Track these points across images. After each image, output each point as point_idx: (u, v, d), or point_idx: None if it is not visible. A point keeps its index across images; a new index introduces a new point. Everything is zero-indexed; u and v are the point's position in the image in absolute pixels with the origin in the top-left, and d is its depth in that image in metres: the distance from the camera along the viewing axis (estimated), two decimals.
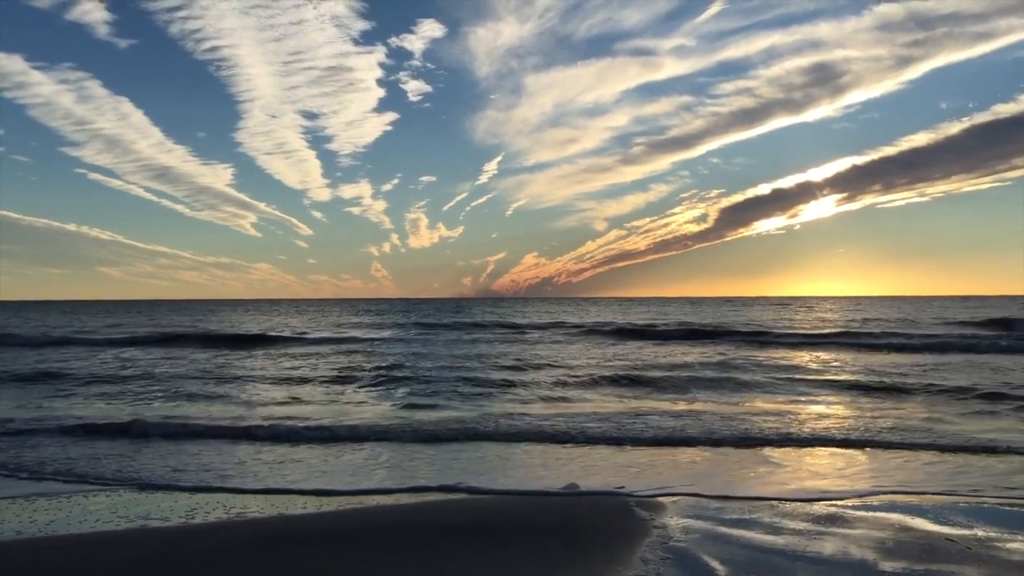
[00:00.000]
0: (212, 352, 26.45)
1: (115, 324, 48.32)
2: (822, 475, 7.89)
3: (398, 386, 16.17)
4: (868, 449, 9.21)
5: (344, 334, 35.95)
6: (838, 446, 9.39)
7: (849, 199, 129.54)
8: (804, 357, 22.87)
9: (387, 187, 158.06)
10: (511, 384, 16.24)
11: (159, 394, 15.12)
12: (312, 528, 5.97)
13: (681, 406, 13.05)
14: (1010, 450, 8.95)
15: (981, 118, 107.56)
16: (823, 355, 23.50)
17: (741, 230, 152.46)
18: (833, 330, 33.89)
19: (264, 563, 5.06)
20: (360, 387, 16.31)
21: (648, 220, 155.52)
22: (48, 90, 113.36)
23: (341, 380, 17.54)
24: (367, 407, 13.41)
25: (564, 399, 14.27)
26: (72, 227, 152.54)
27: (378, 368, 19.87)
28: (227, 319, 56.77)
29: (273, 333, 35.17)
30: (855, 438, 9.78)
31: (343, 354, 25.43)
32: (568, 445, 9.67)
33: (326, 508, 6.70)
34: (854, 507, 6.46)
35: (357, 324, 48.57)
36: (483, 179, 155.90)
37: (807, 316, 53.66)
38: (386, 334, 36.64)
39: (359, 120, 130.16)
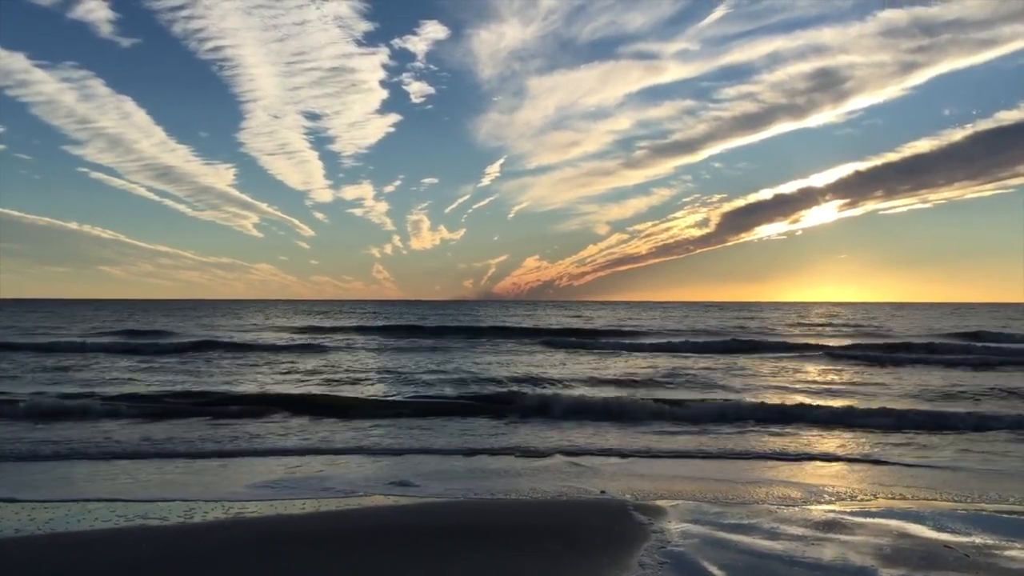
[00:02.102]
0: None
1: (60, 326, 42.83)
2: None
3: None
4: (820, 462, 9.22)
5: (294, 340, 32.78)
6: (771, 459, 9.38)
7: (851, 205, 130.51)
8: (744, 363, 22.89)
9: (389, 189, 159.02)
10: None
11: None
12: (310, 529, 5.97)
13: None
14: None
15: (984, 125, 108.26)
16: (767, 364, 23.27)
17: (743, 235, 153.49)
18: (798, 340, 33.39)
19: (264, 564, 5.06)
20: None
21: (650, 224, 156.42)
22: (51, 88, 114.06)
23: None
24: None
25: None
26: (74, 226, 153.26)
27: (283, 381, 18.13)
28: (193, 320, 53.24)
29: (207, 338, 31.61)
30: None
31: (263, 363, 22.64)
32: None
33: (324, 509, 6.72)
34: (852, 513, 6.46)
35: (309, 328, 44.06)
36: (485, 181, 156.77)
37: (766, 323, 51.98)
38: (341, 340, 33.92)
39: (362, 121, 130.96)
